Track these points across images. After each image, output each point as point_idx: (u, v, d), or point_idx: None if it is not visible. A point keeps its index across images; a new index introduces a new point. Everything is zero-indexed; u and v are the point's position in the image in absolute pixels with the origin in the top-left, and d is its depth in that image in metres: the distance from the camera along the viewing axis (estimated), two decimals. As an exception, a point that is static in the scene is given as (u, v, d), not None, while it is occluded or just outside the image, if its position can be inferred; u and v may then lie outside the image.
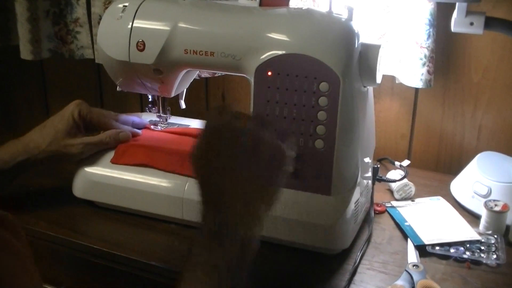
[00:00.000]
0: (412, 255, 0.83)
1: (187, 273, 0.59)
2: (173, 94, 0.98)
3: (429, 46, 1.04)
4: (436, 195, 1.02)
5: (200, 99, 1.39)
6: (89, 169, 0.94)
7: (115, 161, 0.93)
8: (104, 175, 0.93)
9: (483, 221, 0.90)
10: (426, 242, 0.86)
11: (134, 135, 0.99)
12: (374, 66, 0.83)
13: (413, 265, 0.79)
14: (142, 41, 0.89)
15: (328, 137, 0.81)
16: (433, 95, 1.16)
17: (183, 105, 1.04)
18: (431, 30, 1.03)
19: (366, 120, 0.88)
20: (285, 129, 0.78)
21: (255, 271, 0.81)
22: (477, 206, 0.95)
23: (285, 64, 0.81)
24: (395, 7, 1.07)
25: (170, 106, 1.03)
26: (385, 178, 1.03)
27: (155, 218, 0.92)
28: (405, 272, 0.78)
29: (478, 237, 0.87)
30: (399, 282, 0.76)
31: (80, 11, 1.30)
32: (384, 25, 1.09)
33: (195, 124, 1.07)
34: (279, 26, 0.84)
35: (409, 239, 0.88)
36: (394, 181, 1.02)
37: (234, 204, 0.60)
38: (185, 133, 1.01)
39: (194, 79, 1.04)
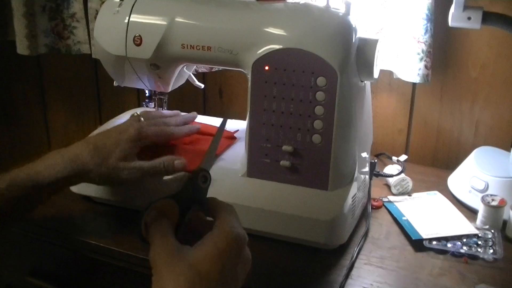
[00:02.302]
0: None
1: None
2: (170, 89, 0.98)
3: (426, 41, 1.03)
4: (433, 190, 1.02)
5: (197, 94, 1.38)
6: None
7: None
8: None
9: (480, 216, 0.91)
10: (424, 237, 0.86)
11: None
12: (371, 61, 0.82)
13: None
14: (139, 35, 0.89)
15: (326, 132, 0.81)
16: (431, 90, 1.16)
17: (202, 85, 1.05)
18: (428, 25, 1.02)
19: (363, 115, 0.88)
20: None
21: (252, 266, 0.81)
22: (474, 201, 0.95)
23: (283, 58, 0.81)
24: (393, 2, 1.07)
25: (167, 101, 1.03)
26: (382, 173, 1.03)
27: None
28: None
29: (475, 231, 0.87)
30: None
31: (76, 6, 1.30)
32: (381, 20, 1.09)
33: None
34: (277, 21, 0.83)
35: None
36: (392, 176, 1.02)
37: None
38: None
39: (192, 74, 1.04)
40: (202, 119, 1.09)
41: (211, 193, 0.86)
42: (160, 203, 0.60)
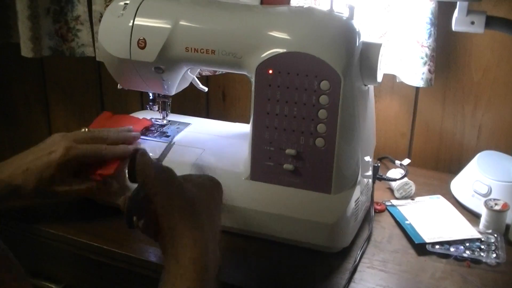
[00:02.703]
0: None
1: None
2: (173, 92, 0.98)
3: (430, 45, 1.04)
4: (436, 194, 1.02)
5: (201, 98, 1.39)
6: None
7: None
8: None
9: (483, 220, 0.91)
10: (427, 241, 0.86)
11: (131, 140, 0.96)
12: (375, 65, 0.83)
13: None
14: (143, 38, 0.89)
15: (329, 135, 0.81)
16: (433, 94, 1.16)
17: (205, 88, 1.05)
18: (432, 29, 1.03)
19: (366, 118, 0.88)
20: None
21: (255, 269, 0.81)
22: (477, 205, 0.95)
23: (286, 62, 0.82)
24: (396, 6, 1.07)
25: (171, 104, 1.03)
26: (385, 177, 1.03)
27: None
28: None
29: (478, 235, 0.87)
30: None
31: (81, 9, 1.30)
32: (385, 24, 1.09)
33: (195, 122, 1.07)
34: (280, 24, 0.84)
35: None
36: (395, 180, 1.02)
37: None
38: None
39: (195, 77, 1.04)
40: (205, 123, 1.09)
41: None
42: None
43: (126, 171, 0.68)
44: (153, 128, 1.03)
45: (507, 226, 0.90)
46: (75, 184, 0.87)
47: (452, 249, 0.85)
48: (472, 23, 0.90)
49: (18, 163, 0.85)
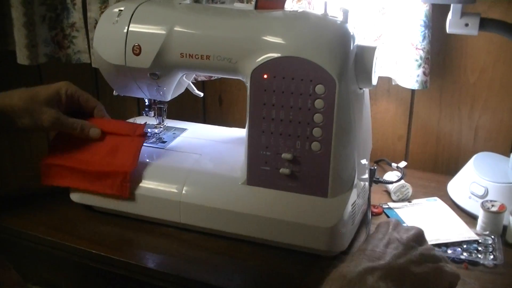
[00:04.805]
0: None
1: None
2: (169, 98, 0.98)
3: (424, 48, 1.04)
4: (433, 196, 1.02)
5: (197, 102, 1.39)
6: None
7: (45, 182, 0.94)
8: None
9: (480, 222, 0.91)
10: (424, 243, 0.86)
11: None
12: (370, 68, 0.83)
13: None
14: (138, 45, 0.90)
15: (325, 139, 0.82)
16: (430, 96, 1.16)
17: (201, 94, 1.06)
18: (426, 31, 1.03)
19: (362, 122, 0.89)
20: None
21: (252, 273, 0.81)
22: (474, 207, 0.95)
23: (281, 67, 0.82)
24: (391, 9, 1.07)
25: (167, 110, 1.03)
26: (382, 180, 1.03)
27: (152, 222, 0.92)
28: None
29: (475, 237, 0.87)
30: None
31: (76, 16, 1.30)
32: (379, 27, 1.09)
33: (191, 127, 1.08)
34: (275, 29, 0.84)
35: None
36: (391, 182, 1.02)
37: None
38: (114, 131, 0.98)
39: (191, 82, 1.04)
40: (201, 128, 1.10)
41: (210, 200, 0.87)
42: None
43: None
44: (149, 134, 1.03)
45: (504, 228, 0.90)
46: (60, 115, 0.93)
47: (449, 251, 0.85)
48: (467, 25, 0.91)
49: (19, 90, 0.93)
